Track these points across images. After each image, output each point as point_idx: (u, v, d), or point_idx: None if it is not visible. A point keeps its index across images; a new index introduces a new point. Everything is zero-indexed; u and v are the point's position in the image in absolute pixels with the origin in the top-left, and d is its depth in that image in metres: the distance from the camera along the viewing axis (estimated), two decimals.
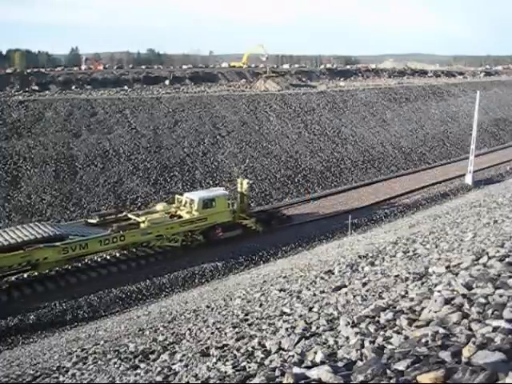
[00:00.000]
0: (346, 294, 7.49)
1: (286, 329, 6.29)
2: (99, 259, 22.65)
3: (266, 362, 4.90)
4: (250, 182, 27.85)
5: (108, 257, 22.63)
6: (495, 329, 3.14)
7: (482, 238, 8.83)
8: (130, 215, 23.56)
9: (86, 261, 22.14)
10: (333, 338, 4.74)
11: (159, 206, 24.70)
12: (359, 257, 11.86)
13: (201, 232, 24.33)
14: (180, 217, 23.79)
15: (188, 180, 33.11)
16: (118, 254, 23.00)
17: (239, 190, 25.96)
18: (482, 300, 3.86)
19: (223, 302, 12.31)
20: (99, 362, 9.62)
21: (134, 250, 23.35)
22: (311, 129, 44.05)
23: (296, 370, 3.28)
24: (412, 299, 4.94)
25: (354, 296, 6.97)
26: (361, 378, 2.83)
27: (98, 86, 48.09)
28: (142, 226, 22.22)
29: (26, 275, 20.78)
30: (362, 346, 3.84)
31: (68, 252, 20.02)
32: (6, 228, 21.60)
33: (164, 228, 22.71)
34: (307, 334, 5.45)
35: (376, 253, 11.96)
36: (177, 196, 25.64)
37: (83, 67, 61.36)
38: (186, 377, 6.04)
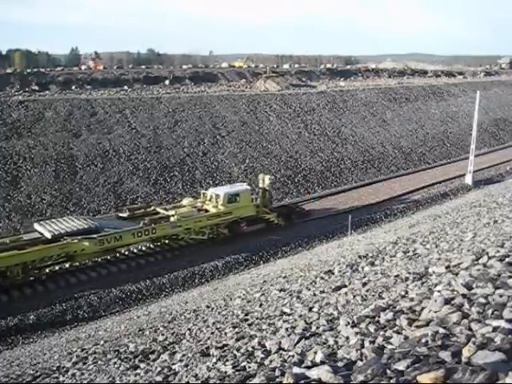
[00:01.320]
0: (345, 293, 7.49)
1: (286, 329, 6.29)
2: (99, 259, 22.65)
3: (266, 362, 4.90)
4: (272, 178, 28.68)
5: (108, 257, 22.66)
6: (495, 329, 3.14)
7: (481, 238, 8.83)
8: (158, 209, 24.47)
9: (87, 261, 22.15)
10: (333, 338, 4.74)
11: (185, 201, 25.69)
12: (359, 257, 11.86)
13: (226, 226, 25.06)
14: (206, 211, 24.60)
15: (188, 180, 33.11)
16: (117, 255, 23.00)
17: (261, 185, 26.67)
18: (482, 300, 3.86)
19: (223, 302, 12.31)
20: (99, 362, 9.62)
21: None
22: (311, 129, 44.04)
23: (296, 370, 3.28)
24: (412, 299, 4.94)
25: (354, 296, 6.97)
26: (361, 377, 2.83)
27: (98, 86, 48.11)
28: (172, 219, 22.99)
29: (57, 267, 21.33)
30: (362, 346, 3.84)
31: (104, 244, 20.78)
32: (44, 221, 22.31)
33: (192, 221, 23.60)
34: (307, 334, 5.45)
35: (376, 253, 11.96)
36: (202, 191, 26.60)
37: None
38: (186, 377, 6.04)
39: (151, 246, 24.12)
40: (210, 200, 24.97)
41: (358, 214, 28.95)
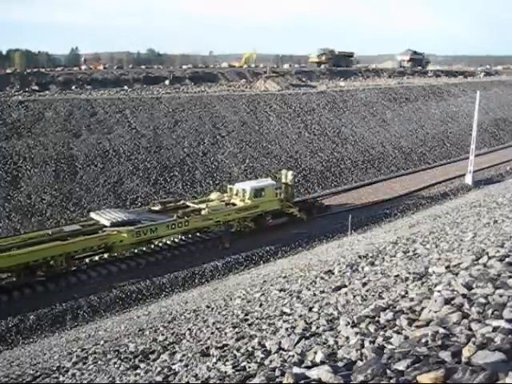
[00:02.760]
0: (345, 294, 7.49)
1: (286, 329, 6.29)
2: (97, 258, 22.67)
3: (266, 362, 4.90)
4: (294, 173, 29.80)
5: (105, 255, 22.73)
6: (495, 329, 3.14)
7: (482, 238, 8.83)
8: (188, 203, 25.62)
9: (87, 260, 22.20)
10: (333, 338, 4.74)
11: (213, 195, 26.84)
12: (359, 257, 11.86)
13: (252, 219, 26.22)
14: (234, 205, 25.60)
15: (188, 180, 33.11)
16: (116, 254, 23.01)
17: (283, 180, 27.71)
18: (482, 300, 3.86)
19: (223, 302, 12.31)
20: (99, 362, 9.62)
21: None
22: (311, 129, 44.04)
23: (296, 369, 3.28)
24: (412, 299, 4.94)
25: (354, 296, 6.97)
26: (361, 377, 2.83)
27: (97, 86, 48.05)
28: (203, 212, 23.97)
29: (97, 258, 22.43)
30: (362, 346, 3.84)
31: (140, 236, 21.74)
32: (95, 211, 23.85)
33: (222, 214, 24.66)
34: (307, 334, 5.45)
35: (376, 253, 11.96)
36: (229, 186, 27.64)
37: (83, 67, 61.27)
38: (186, 377, 6.04)
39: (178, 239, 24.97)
40: (236, 194, 26.03)
41: (358, 213, 28.96)
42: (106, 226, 21.37)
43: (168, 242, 24.56)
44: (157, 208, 24.59)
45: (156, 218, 23.13)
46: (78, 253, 20.84)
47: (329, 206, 30.55)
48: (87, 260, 22.08)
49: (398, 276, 7.36)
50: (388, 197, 33.66)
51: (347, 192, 35.33)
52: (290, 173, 28.05)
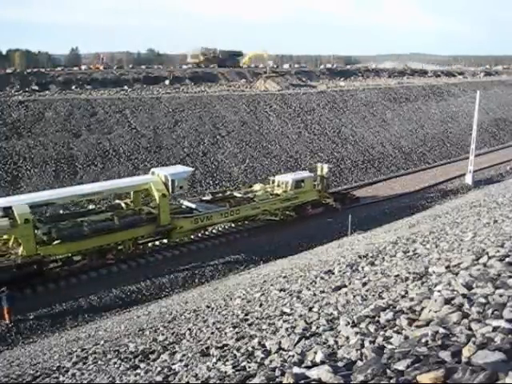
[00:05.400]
0: (345, 293, 7.48)
1: (286, 329, 6.28)
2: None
3: (266, 362, 4.89)
4: (330, 166, 31.76)
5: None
6: (495, 329, 3.13)
7: (481, 237, 8.82)
8: (235, 193, 27.45)
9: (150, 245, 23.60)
10: (333, 338, 4.73)
11: (257, 186, 28.81)
12: (359, 257, 11.85)
13: (293, 209, 28.04)
14: (277, 195, 27.44)
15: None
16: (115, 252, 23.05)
17: (319, 173, 29.33)
18: (482, 300, 3.86)
19: (223, 302, 12.30)
20: (99, 362, 9.61)
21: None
22: (311, 129, 44.03)
23: (296, 369, 3.28)
24: (412, 299, 4.94)
25: (354, 296, 6.97)
26: (361, 377, 2.83)
27: (97, 86, 48.05)
28: (252, 201, 26.08)
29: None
30: (362, 346, 3.84)
31: (198, 222, 23.66)
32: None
33: (269, 204, 26.68)
34: (307, 334, 5.44)
35: (376, 253, 11.95)
36: (271, 178, 29.48)
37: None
38: (186, 377, 6.04)
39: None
40: (278, 186, 28.00)
41: (358, 213, 28.96)
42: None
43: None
44: (207, 198, 26.60)
45: (209, 207, 24.98)
46: (143, 238, 22.90)
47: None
48: (150, 244, 23.94)
49: (398, 276, 7.36)
50: (388, 197, 33.71)
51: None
52: (326, 166, 29.84)
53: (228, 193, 27.88)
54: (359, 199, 32.04)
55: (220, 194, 27.48)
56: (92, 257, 21.17)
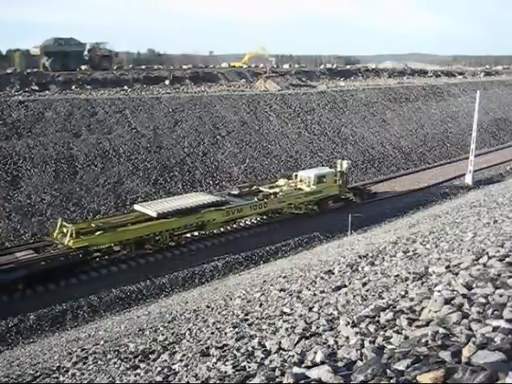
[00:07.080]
0: (345, 293, 7.49)
1: (286, 329, 6.29)
2: (97, 259, 22.71)
3: (266, 362, 4.89)
4: (350, 162, 32.98)
5: (106, 256, 22.79)
6: (495, 329, 3.14)
7: (482, 237, 8.82)
8: (261, 188, 28.47)
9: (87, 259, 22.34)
10: (333, 338, 4.73)
11: (281, 181, 29.75)
12: (359, 257, 11.85)
13: (316, 203, 29.17)
14: (300, 190, 28.58)
15: (188, 180, 33.11)
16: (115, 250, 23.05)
17: (339, 169, 30.28)
18: (482, 300, 3.86)
19: (223, 302, 12.31)
20: (99, 362, 9.61)
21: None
22: (311, 129, 44.03)
23: (296, 369, 3.28)
24: (412, 299, 4.94)
25: (354, 296, 6.97)
26: (361, 377, 2.83)
27: (97, 86, 48.00)
28: (278, 195, 27.15)
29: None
30: (362, 346, 3.84)
31: (229, 215, 24.68)
32: (173, 196, 27.24)
33: (294, 198, 27.90)
34: (307, 334, 5.44)
35: (376, 253, 11.95)
36: (294, 173, 30.43)
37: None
38: (186, 377, 6.04)
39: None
40: (301, 181, 29.04)
41: (358, 213, 28.94)
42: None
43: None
44: (236, 192, 27.64)
45: (239, 200, 26.11)
46: (180, 229, 23.92)
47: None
48: (188, 235, 25.03)
49: (398, 276, 7.36)
50: (387, 196, 33.76)
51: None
52: (345, 162, 30.89)
53: (254, 187, 29.00)
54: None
55: (247, 189, 28.63)
56: (131, 247, 22.50)
